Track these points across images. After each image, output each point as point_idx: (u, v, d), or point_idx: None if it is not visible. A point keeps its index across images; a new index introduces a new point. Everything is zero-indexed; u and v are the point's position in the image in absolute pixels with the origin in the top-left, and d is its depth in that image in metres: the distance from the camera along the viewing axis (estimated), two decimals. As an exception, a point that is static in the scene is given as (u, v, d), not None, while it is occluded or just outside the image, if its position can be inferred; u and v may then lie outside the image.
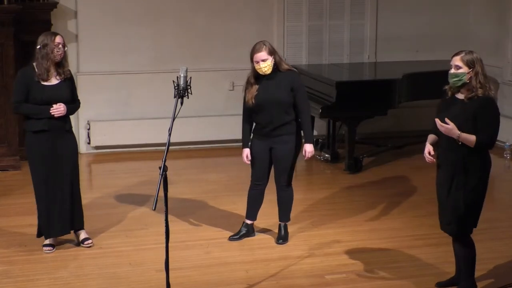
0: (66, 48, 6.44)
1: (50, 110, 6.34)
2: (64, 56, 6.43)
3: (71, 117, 6.63)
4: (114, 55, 9.87)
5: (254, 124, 6.75)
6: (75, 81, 7.01)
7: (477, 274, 5.81)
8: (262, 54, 6.48)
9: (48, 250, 6.59)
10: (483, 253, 6.11)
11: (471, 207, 5.50)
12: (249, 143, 6.75)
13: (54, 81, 6.42)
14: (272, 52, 6.52)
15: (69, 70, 6.56)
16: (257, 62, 6.50)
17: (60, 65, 6.43)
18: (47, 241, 6.62)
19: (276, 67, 6.57)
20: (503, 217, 7.56)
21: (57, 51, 6.35)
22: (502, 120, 5.59)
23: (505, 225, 7.33)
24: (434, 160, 5.61)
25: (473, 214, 5.55)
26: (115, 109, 9.90)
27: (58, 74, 6.43)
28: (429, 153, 5.64)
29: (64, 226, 6.59)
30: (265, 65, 6.50)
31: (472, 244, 5.64)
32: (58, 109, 6.36)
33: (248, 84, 6.64)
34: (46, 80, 6.39)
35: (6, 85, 8.94)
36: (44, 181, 6.47)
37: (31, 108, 6.41)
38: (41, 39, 6.38)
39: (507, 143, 9.65)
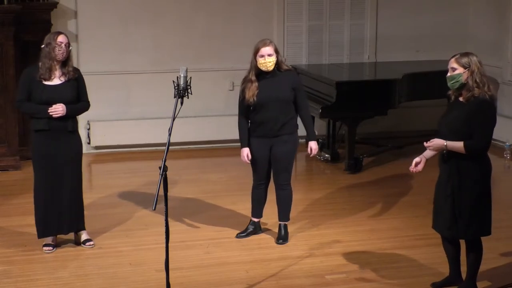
0: (70, 47, 6.42)
1: (48, 110, 6.31)
2: (69, 56, 6.40)
3: (79, 117, 6.60)
4: (114, 55, 9.87)
5: (249, 123, 6.76)
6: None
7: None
8: (269, 49, 6.51)
9: (48, 250, 6.58)
10: (484, 253, 6.09)
11: (469, 211, 5.44)
12: (248, 142, 6.77)
13: (57, 81, 6.39)
14: (276, 51, 6.57)
15: (77, 71, 6.50)
16: (262, 56, 6.50)
17: (65, 65, 6.40)
18: (47, 241, 6.61)
19: (277, 66, 6.59)
20: (503, 217, 7.54)
21: (59, 50, 6.31)
22: (502, 120, 5.58)
23: (505, 225, 7.31)
24: (418, 169, 5.64)
25: (475, 219, 5.47)
26: (115, 109, 9.90)
27: (63, 74, 6.40)
28: (415, 164, 5.64)
29: (60, 226, 6.55)
30: (271, 60, 6.51)
31: (478, 248, 5.61)
32: (57, 109, 6.31)
33: (248, 82, 6.62)
34: (48, 80, 6.36)
35: (6, 85, 8.94)
36: (44, 180, 6.45)
37: (31, 107, 6.40)
38: (46, 38, 6.37)
39: (507, 143, 9.63)
